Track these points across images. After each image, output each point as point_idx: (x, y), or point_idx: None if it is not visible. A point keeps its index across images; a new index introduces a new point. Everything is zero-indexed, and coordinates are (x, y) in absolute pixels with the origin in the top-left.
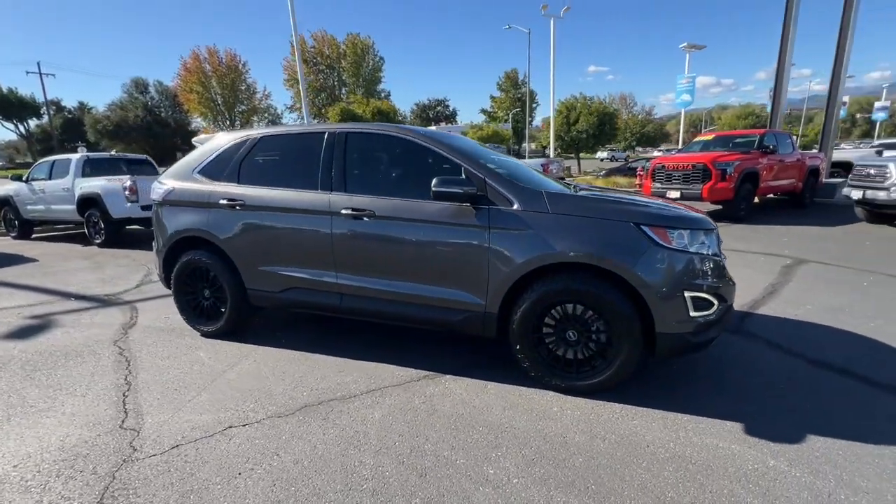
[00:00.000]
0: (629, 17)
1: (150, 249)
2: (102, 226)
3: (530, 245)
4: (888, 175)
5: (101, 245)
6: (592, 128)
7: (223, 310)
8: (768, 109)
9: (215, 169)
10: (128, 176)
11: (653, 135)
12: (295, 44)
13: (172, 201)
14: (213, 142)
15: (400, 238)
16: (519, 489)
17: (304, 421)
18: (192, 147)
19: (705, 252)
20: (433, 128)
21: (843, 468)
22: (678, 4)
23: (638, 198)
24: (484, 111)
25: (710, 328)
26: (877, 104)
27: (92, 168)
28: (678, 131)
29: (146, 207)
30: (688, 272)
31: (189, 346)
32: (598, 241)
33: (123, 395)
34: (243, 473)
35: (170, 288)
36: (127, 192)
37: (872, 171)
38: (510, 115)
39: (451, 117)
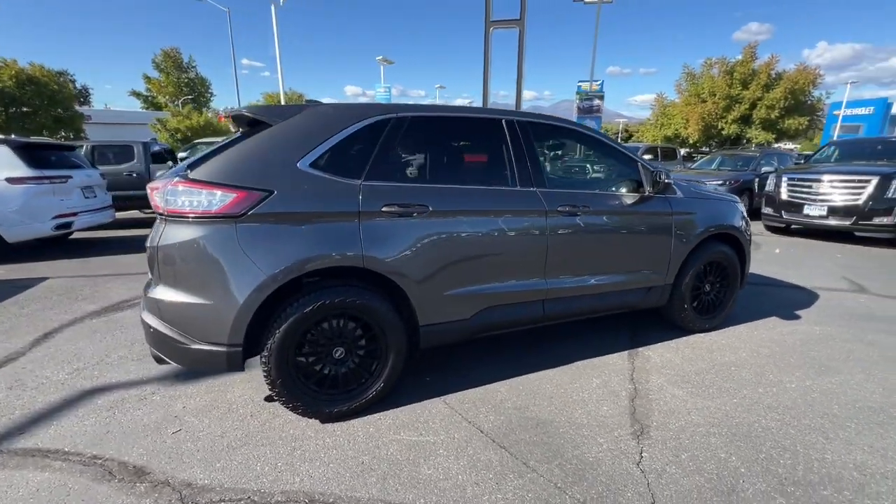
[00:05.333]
0: (291, 15)
1: None
2: None
3: (697, 224)
4: None
5: None
6: None
7: (371, 370)
8: None
9: (343, 160)
10: None
11: None
12: None
13: (276, 214)
14: (316, 118)
15: (610, 230)
16: (859, 381)
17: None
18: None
19: None
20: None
21: (833, 318)
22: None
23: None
24: (136, 93)
25: None
26: None
27: None
28: None
29: None
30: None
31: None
32: (729, 216)
33: None
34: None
35: (268, 365)
36: None
37: None
38: (180, 103)
39: (81, 97)
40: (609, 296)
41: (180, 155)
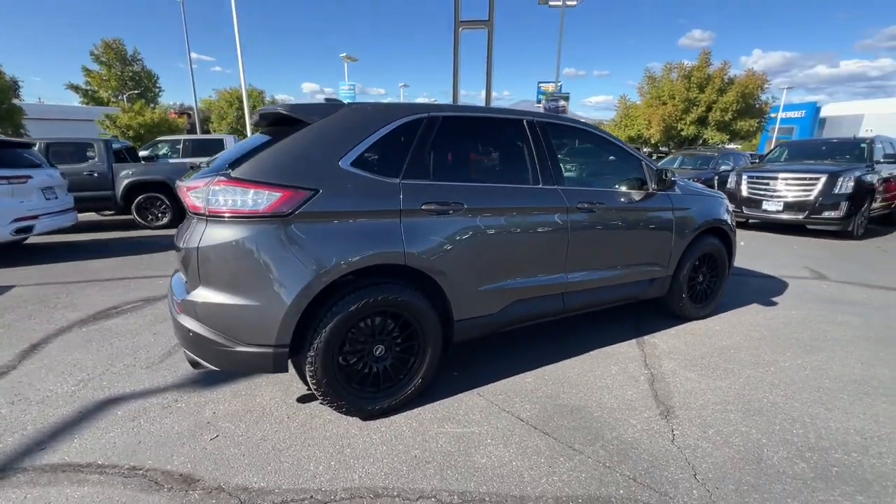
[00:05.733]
0: (244, 7)
1: None
2: None
3: (693, 219)
4: None
5: None
6: None
7: (409, 367)
8: None
9: (382, 159)
10: None
11: None
12: None
13: (322, 213)
14: (354, 117)
15: (621, 225)
16: (840, 357)
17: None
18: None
19: None
20: None
21: (804, 303)
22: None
23: None
24: (75, 87)
25: None
26: None
27: None
28: None
29: None
30: None
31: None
32: (718, 211)
33: None
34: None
35: (313, 365)
36: None
37: None
38: (125, 97)
39: (11, 90)
40: (619, 287)
41: (142, 153)
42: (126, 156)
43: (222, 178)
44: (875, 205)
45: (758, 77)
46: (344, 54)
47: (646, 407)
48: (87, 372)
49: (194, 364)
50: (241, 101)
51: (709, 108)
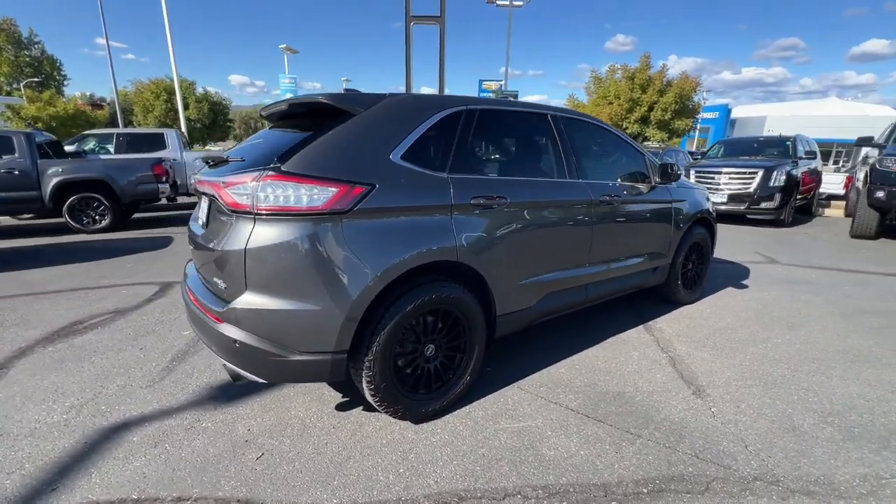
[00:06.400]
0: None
1: None
2: None
3: (688, 210)
4: None
5: None
6: (206, 118)
7: (457, 365)
8: None
9: (428, 152)
10: None
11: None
12: None
13: (379, 209)
14: (399, 108)
15: (634, 218)
16: (818, 331)
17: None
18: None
19: None
20: None
21: (770, 285)
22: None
23: None
24: None
25: None
26: None
27: None
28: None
29: None
30: None
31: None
32: (705, 202)
33: None
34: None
35: (371, 370)
36: None
37: None
38: (21, 85)
39: None
40: (630, 277)
41: (68, 148)
42: (49, 151)
43: (272, 172)
44: (798, 196)
45: (692, 80)
46: (284, 45)
47: (678, 388)
48: (75, 397)
49: (236, 377)
50: (169, 94)
51: (650, 108)
